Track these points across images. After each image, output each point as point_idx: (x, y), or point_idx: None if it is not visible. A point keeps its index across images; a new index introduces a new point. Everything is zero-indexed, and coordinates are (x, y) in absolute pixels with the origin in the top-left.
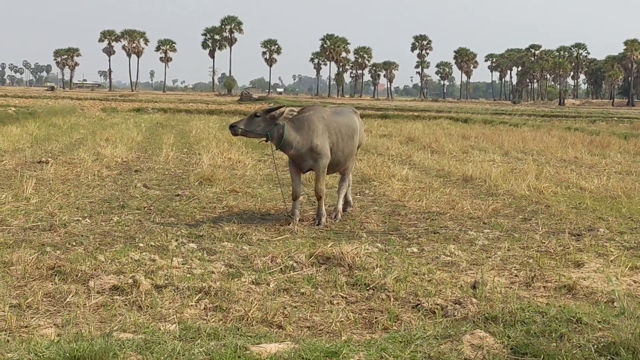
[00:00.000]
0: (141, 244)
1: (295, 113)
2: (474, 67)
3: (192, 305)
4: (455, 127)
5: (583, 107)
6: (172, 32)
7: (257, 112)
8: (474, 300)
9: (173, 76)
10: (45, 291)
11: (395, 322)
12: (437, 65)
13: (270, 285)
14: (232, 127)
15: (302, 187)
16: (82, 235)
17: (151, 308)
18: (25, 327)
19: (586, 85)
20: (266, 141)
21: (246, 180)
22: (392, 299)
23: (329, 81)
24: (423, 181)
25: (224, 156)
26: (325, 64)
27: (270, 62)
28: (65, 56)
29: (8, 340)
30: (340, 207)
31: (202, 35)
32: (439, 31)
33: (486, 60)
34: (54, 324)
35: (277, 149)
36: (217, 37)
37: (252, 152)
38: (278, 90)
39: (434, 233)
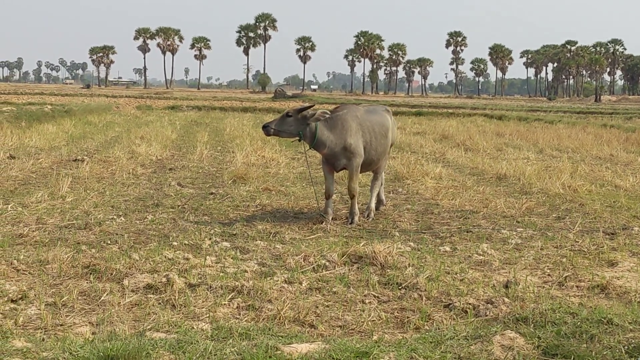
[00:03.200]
0: (175, 243)
1: (328, 115)
2: (509, 63)
3: (224, 304)
4: (489, 125)
5: (619, 103)
6: (206, 30)
7: (289, 112)
8: (506, 300)
9: (207, 73)
10: (81, 289)
11: (427, 321)
12: (472, 62)
13: (303, 284)
14: (265, 128)
15: (336, 185)
16: (116, 234)
17: (184, 307)
18: (61, 325)
19: (623, 81)
20: (299, 141)
21: (279, 179)
22: (424, 298)
23: (363, 78)
24: (456, 179)
25: (258, 154)
26: (360, 61)
27: (304, 59)
28: (101, 54)
29: (43, 339)
30: (373, 205)
31: (237, 32)
32: (474, 27)
33: (521, 57)
34: (89, 323)
35: (310, 148)
36: (251, 34)
37: (285, 150)
38: (312, 87)
39: (467, 232)
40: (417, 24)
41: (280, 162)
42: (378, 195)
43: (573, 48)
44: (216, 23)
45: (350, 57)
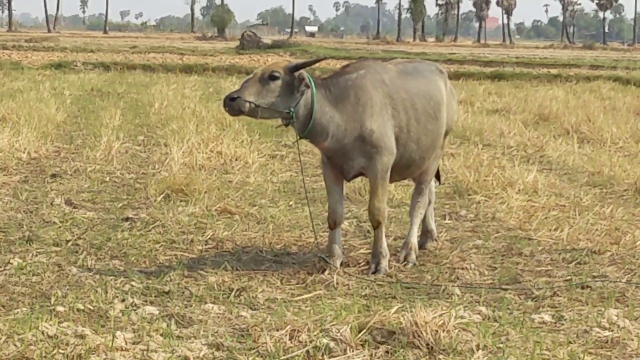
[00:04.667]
0: (61, 307)
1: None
2: None
3: None
4: (623, 96)
5: None
6: None
7: (274, 71)
8: None
9: (121, 6)
10: None
11: None
12: None
13: None
14: (232, 101)
15: (348, 204)
16: None
17: None
18: None
19: None
20: (286, 125)
21: (248, 193)
22: None
23: (399, 14)
24: (564, 194)
25: (210, 149)
26: None
27: None
28: None
29: None
30: (414, 240)
31: None
32: None
33: None
34: None
35: (301, 138)
36: None
37: (258, 142)
38: (308, 29)
39: (582, 288)
40: None
41: (250, 163)
42: (424, 222)
43: None
44: None
45: None
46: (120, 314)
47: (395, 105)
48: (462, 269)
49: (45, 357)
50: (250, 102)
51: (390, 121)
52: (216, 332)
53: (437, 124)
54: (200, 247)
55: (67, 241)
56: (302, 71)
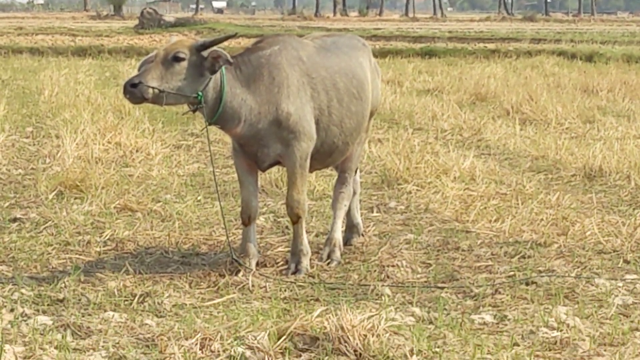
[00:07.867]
0: None
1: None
2: None
3: None
4: (569, 71)
5: None
6: None
7: (179, 52)
8: None
9: None
10: None
11: None
12: None
13: None
14: (133, 87)
15: (263, 197)
16: None
17: None
18: None
19: None
20: (194, 111)
21: (151, 188)
22: None
23: None
24: (504, 181)
25: (107, 140)
26: None
27: None
28: None
29: None
30: (338, 236)
31: None
32: None
33: None
34: None
35: (211, 124)
36: None
37: (162, 131)
38: (215, 5)
39: (527, 284)
40: None
41: (153, 155)
42: (349, 215)
43: None
44: None
45: None
46: (8, 325)
47: (314, 84)
48: (393, 266)
49: None
50: (154, 88)
51: (309, 103)
52: (118, 343)
53: (362, 105)
54: (98, 249)
55: None
56: (216, 48)
